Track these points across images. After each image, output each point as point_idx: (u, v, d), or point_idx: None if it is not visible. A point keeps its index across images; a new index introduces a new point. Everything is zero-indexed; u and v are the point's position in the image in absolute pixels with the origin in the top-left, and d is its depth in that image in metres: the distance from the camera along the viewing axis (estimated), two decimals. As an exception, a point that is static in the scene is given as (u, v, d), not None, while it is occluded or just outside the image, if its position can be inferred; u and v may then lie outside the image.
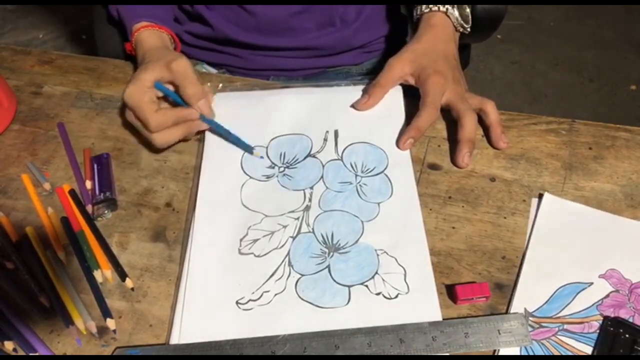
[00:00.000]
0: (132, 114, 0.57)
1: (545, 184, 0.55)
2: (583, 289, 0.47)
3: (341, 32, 0.75)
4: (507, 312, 0.46)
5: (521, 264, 0.49)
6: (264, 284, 0.48)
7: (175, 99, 0.58)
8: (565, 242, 0.50)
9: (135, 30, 0.64)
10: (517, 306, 0.46)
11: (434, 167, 0.57)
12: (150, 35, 0.64)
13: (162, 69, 0.57)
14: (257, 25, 0.73)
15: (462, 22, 0.64)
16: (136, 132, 0.61)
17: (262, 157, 0.57)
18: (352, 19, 0.76)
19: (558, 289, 0.47)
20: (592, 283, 0.47)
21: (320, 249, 0.51)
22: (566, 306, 0.46)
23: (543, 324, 0.45)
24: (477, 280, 0.49)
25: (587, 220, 0.52)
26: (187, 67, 0.57)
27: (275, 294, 0.48)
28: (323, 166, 0.57)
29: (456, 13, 0.63)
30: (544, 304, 0.46)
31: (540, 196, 0.54)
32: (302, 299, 0.47)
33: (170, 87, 0.58)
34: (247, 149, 0.58)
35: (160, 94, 0.58)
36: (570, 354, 0.44)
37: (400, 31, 0.84)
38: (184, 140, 0.60)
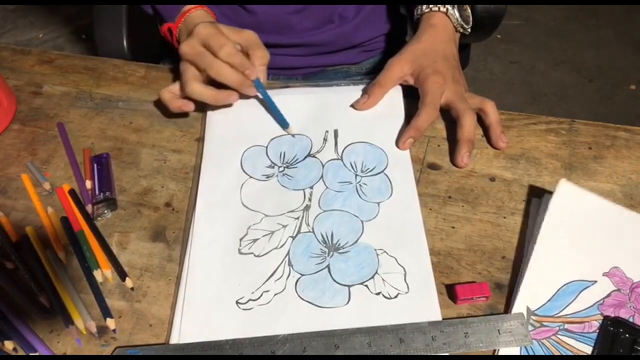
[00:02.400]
0: (194, 44, 0.58)
1: (545, 184, 0.55)
2: (587, 288, 0.47)
3: (341, 29, 0.75)
4: (509, 311, 0.46)
5: (523, 263, 0.49)
6: (264, 284, 0.48)
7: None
8: (575, 237, 0.49)
9: (186, 11, 0.65)
10: (519, 305, 0.46)
11: (434, 167, 0.57)
12: (204, 15, 0.65)
13: (234, 30, 0.60)
14: (257, 24, 0.73)
15: (462, 22, 0.64)
16: (136, 132, 0.61)
17: (294, 136, 0.59)
18: (351, 16, 0.76)
19: (562, 286, 0.47)
20: (596, 281, 0.47)
21: (320, 249, 0.51)
22: (569, 305, 0.46)
23: (545, 323, 0.45)
24: (477, 280, 0.49)
25: (601, 211, 0.50)
26: (257, 38, 0.61)
27: (275, 294, 0.48)
28: (323, 166, 0.57)
29: (457, 14, 0.63)
30: (547, 302, 0.46)
31: (541, 196, 0.53)
32: (302, 299, 0.47)
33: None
34: (284, 123, 0.60)
35: None
36: (570, 354, 0.44)
37: (400, 31, 0.84)
38: (224, 100, 0.60)
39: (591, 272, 0.48)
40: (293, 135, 0.59)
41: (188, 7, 0.66)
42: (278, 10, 0.72)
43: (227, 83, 0.58)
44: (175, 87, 0.61)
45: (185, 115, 0.62)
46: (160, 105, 0.63)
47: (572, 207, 0.51)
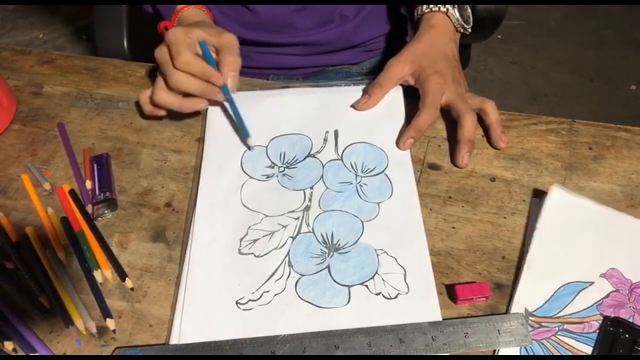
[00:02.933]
0: (164, 50, 0.58)
1: (545, 184, 0.55)
2: (584, 289, 0.47)
3: (341, 28, 0.75)
4: (507, 312, 0.46)
5: (522, 263, 0.49)
6: (264, 284, 0.48)
7: (212, 64, 0.58)
8: (569, 239, 0.50)
9: (180, 9, 0.66)
10: (517, 306, 0.46)
11: (434, 167, 0.57)
12: (198, 12, 0.66)
13: (214, 33, 0.59)
14: (259, 23, 0.73)
15: (462, 22, 0.64)
16: (136, 132, 0.61)
17: (253, 149, 0.58)
18: (351, 16, 0.76)
19: (559, 288, 0.47)
20: (593, 282, 0.47)
21: (320, 249, 0.51)
22: (567, 306, 0.46)
23: (543, 324, 0.45)
24: (477, 280, 0.49)
25: (593, 216, 0.51)
26: (236, 42, 0.59)
27: (275, 294, 0.48)
28: (323, 166, 0.57)
29: (457, 14, 0.63)
30: (544, 303, 0.46)
31: (541, 196, 0.53)
32: (302, 299, 0.47)
33: (214, 56, 0.59)
34: (244, 135, 0.58)
35: (200, 53, 0.59)
36: (570, 354, 0.44)
37: (400, 31, 0.84)
38: (190, 107, 0.59)
39: (587, 274, 0.48)
40: (249, 148, 0.58)
41: (182, 5, 0.66)
42: (279, 8, 0.72)
43: (188, 92, 0.58)
44: (150, 91, 0.61)
45: (185, 115, 0.62)
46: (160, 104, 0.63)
47: (565, 212, 0.51)
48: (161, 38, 0.69)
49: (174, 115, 0.62)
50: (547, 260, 0.49)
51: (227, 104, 0.60)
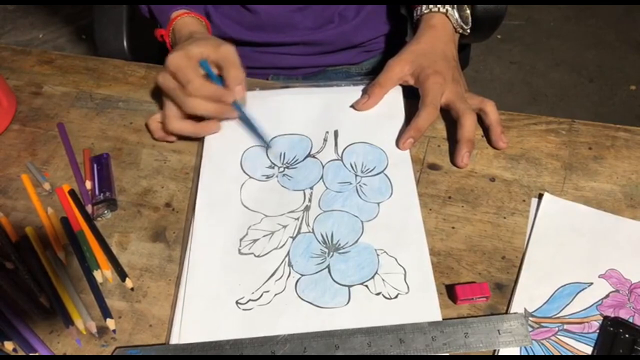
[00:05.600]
0: (169, 77, 0.57)
1: (545, 184, 0.55)
2: (583, 289, 0.47)
3: (341, 28, 0.75)
4: (507, 312, 0.46)
5: (521, 264, 0.49)
6: (263, 284, 0.48)
7: (216, 81, 0.58)
8: (565, 242, 0.50)
9: (175, 16, 0.65)
10: (517, 306, 0.46)
11: (434, 167, 0.57)
12: (193, 21, 0.65)
13: (211, 47, 0.57)
14: (259, 23, 0.73)
15: (462, 23, 0.64)
16: (136, 132, 0.61)
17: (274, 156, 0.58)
18: (351, 16, 0.76)
19: (558, 289, 0.47)
20: (592, 283, 0.47)
21: (320, 249, 0.51)
22: (566, 306, 0.46)
23: (543, 324, 0.45)
24: (477, 280, 0.49)
25: (586, 220, 0.52)
26: (234, 53, 0.58)
27: (275, 294, 0.48)
28: (323, 166, 0.57)
29: (456, 14, 0.63)
30: (543, 304, 0.46)
31: (540, 196, 0.54)
32: (302, 299, 0.47)
33: (215, 71, 0.58)
34: (266, 145, 0.58)
35: (203, 73, 0.58)
36: (570, 354, 0.44)
37: (400, 31, 0.84)
38: (205, 131, 0.59)
39: (585, 275, 0.48)
40: (270, 148, 0.58)
41: (176, 13, 0.65)
42: (279, 8, 0.72)
43: (204, 115, 0.57)
44: (160, 116, 0.60)
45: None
46: (160, 105, 0.63)
47: (559, 218, 0.52)
48: (160, 42, 0.69)
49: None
50: (545, 261, 0.49)
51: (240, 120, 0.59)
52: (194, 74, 0.56)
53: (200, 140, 0.60)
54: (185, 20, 0.65)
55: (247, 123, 0.58)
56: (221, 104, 0.57)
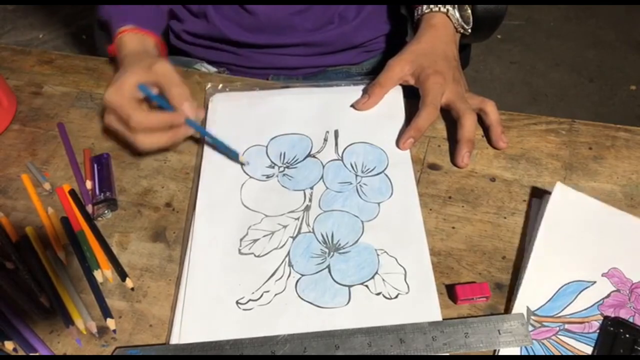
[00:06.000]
0: (113, 117, 0.55)
1: (545, 184, 0.55)
2: (586, 288, 0.47)
3: (341, 29, 0.75)
4: (509, 311, 0.46)
5: (523, 263, 0.49)
6: (264, 284, 0.48)
7: (159, 102, 0.56)
8: (572, 237, 0.49)
9: (118, 33, 0.63)
10: (519, 304, 0.46)
11: (434, 167, 0.57)
12: (132, 39, 0.62)
13: (144, 71, 0.55)
14: (258, 25, 0.73)
15: (462, 23, 0.64)
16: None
17: (248, 164, 0.57)
18: (351, 17, 0.76)
19: (562, 287, 0.47)
20: (595, 282, 0.47)
21: (320, 249, 0.51)
22: (568, 305, 0.46)
23: (544, 323, 0.45)
24: (477, 280, 0.49)
25: (597, 214, 0.51)
26: (170, 68, 0.56)
27: (276, 294, 0.48)
28: (323, 166, 0.57)
29: (457, 14, 0.63)
30: (547, 302, 0.46)
31: (541, 196, 0.53)
32: (302, 299, 0.47)
33: (155, 91, 0.57)
34: (233, 155, 0.57)
35: (143, 96, 0.56)
36: (570, 354, 0.44)
37: (400, 31, 0.84)
38: (172, 147, 0.58)
39: (589, 273, 0.48)
40: (248, 163, 0.56)
41: (120, 29, 0.63)
42: (279, 11, 0.72)
43: (160, 147, 0.56)
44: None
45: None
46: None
47: (569, 209, 0.51)
48: (162, 38, 0.69)
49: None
50: (550, 258, 0.48)
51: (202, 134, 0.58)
52: (131, 107, 0.53)
53: (200, 140, 0.60)
54: (125, 39, 0.62)
55: (209, 137, 0.57)
56: (173, 130, 0.55)
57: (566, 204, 0.51)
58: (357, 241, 0.51)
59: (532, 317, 0.45)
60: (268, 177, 0.56)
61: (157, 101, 0.56)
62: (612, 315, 0.45)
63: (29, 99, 0.66)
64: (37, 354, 0.45)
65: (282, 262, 0.50)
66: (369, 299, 0.47)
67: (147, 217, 0.54)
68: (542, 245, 0.49)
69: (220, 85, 0.65)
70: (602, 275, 0.48)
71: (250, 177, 0.56)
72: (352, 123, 0.60)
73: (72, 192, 0.55)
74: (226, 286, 0.48)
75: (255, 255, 0.50)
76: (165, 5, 0.71)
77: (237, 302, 0.47)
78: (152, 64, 0.56)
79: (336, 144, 0.59)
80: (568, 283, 0.47)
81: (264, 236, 0.52)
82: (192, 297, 0.48)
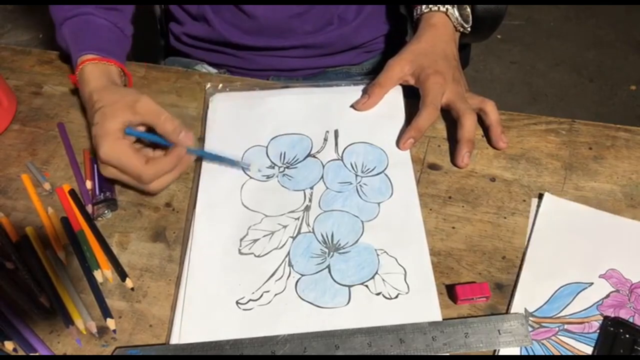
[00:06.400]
0: (113, 171, 0.53)
1: (545, 184, 0.55)
2: (583, 289, 0.47)
3: (341, 30, 0.75)
4: (507, 312, 0.46)
5: (521, 264, 0.49)
6: (264, 284, 0.48)
7: (152, 139, 0.55)
8: (565, 242, 0.50)
9: (80, 63, 0.60)
10: (517, 306, 0.46)
11: (434, 167, 0.57)
12: (94, 70, 0.59)
13: (127, 112, 0.53)
14: (258, 28, 0.73)
15: (462, 22, 0.64)
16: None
17: (259, 171, 0.56)
18: (351, 18, 0.76)
19: (558, 289, 0.47)
20: (592, 283, 0.47)
21: (320, 249, 0.51)
22: (566, 306, 0.46)
23: (543, 324, 0.45)
24: (477, 280, 0.49)
25: (587, 220, 0.52)
26: (152, 104, 0.54)
27: (276, 294, 0.48)
28: (323, 166, 0.57)
29: (456, 13, 0.63)
30: (544, 304, 0.46)
31: (541, 196, 0.54)
32: (302, 299, 0.47)
33: (141, 129, 0.55)
34: (244, 166, 0.56)
35: (133, 139, 0.55)
36: (570, 354, 0.44)
37: (400, 31, 0.84)
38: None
39: (586, 275, 0.48)
40: (258, 170, 0.56)
41: (81, 59, 0.60)
42: (278, 14, 0.72)
43: (168, 184, 0.55)
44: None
45: (184, 115, 0.62)
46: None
47: (559, 217, 0.52)
48: (162, 38, 0.69)
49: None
50: (545, 261, 0.49)
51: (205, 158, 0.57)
52: (137, 163, 0.51)
53: (200, 140, 0.60)
54: (87, 70, 0.59)
55: (214, 158, 0.57)
56: (177, 168, 0.54)
57: (556, 213, 0.52)
58: (357, 241, 0.51)
59: (530, 319, 0.46)
60: (268, 177, 0.56)
61: (150, 140, 0.55)
62: (612, 316, 0.45)
63: (29, 99, 0.66)
64: (37, 354, 0.45)
65: (282, 262, 0.50)
66: (369, 299, 0.47)
67: (147, 217, 0.54)
68: (536, 249, 0.50)
69: (220, 86, 0.65)
70: (600, 277, 0.48)
71: (250, 177, 0.56)
72: (352, 123, 0.60)
73: (72, 192, 0.55)
74: (226, 286, 0.48)
75: (255, 255, 0.50)
76: (128, 29, 0.67)
77: (237, 302, 0.47)
78: (132, 103, 0.53)
79: (336, 144, 0.59)
80: (565, 285, 0.47)
81: (264, 236, 0.52)
82: (192, 297, 0.48)
